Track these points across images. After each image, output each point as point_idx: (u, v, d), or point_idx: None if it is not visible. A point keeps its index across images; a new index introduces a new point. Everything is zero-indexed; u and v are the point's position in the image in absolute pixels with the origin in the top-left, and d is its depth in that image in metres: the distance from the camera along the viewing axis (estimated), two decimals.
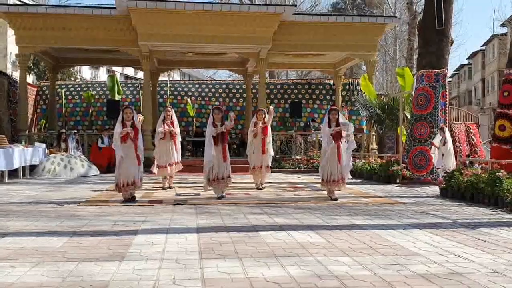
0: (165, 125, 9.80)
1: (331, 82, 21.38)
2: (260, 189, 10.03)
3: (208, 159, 8.40)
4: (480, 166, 10.53)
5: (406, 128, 13.11)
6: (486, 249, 4.62)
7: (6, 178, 11.61)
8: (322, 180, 8.49)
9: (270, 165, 10.16)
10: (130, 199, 7.95)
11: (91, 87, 21.64)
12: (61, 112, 20.25)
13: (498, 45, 39.75)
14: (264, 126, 9.89)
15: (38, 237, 5.03)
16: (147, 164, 15.14)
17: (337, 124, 8.37)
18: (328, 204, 7.91)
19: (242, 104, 20.97)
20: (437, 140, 11.29)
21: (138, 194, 8.86)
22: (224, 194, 8.58)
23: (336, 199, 8.30)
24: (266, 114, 10.05)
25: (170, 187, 10.01)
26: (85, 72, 38.66)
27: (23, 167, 12.64)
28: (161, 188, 9.99)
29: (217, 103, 21.12)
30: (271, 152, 10.26)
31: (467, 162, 12.15)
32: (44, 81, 23.39)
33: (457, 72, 55.71)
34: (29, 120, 18.45)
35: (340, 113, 8.63)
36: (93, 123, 20.40)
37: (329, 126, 8.42)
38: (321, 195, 9.11)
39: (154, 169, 9.96)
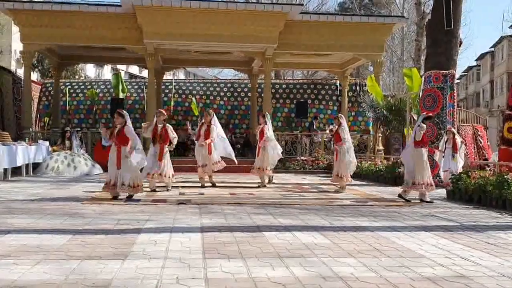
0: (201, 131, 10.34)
1: (337, 83, 21.34)
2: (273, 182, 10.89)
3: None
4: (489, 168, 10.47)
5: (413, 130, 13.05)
6: (494, 252, 4.60)
7: (10, 176, 11.65)
8: (412, 184, 8.61)
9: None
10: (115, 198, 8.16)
11: (95, 85, 21.69)
12: (64, 110, 20.32)
13: (508, 47, 39.56)
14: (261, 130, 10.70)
15: (41, 235, 5.05)
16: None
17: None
18: (333, 205, 7.90)
19: (247, 103, 20.96)
20: (440, 143, 11.22)
21: (141, 193, 8.91)
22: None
23: (431, 202, 8.44)
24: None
25: (210, 185, 10.43)
26: (90, 70, 38.80)
27: (27, 165, 12.69)
28: (200, 186, 10.39)
29: (221, 102, 21.15)
30: None
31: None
32: (48, 78, 23.47)
33: (465, 73, 55.47)
34: (33, 117, 18.52)
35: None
36: (97, 121, 20.45)
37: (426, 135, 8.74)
38: (327, 196, 9.11)
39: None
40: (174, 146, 9.80)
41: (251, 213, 6.80)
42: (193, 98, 20.49)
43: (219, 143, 10.50)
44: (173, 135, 9.45)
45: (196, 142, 10.61)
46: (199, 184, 10.45)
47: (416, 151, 8.62)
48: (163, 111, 9.75)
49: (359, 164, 13.73)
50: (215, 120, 10.51)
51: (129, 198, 8.08)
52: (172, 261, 4.05)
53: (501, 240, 5.24)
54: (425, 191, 8.54)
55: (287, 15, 15.34)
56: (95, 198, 8.23)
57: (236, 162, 11.11)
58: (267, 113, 11.61)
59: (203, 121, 10.51)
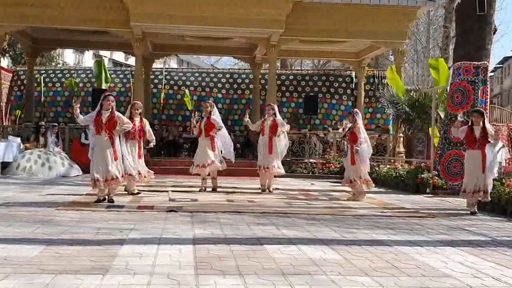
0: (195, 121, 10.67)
1: (353, 74, 21.34)
2: (270, 191, 10.64)
3: None
4: None
5: (439, 129, 13.06)
6: None
7: None
8: (464, 191, 8.66)
9: (276, 166, 10.71)
10: (103, 201, 8.30)
11: (75, 73, 21.75)
12: (39, 101, 20.37)
13: None
14: (273, 123, 10.59)
15: (9, 245, 5.06)
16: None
17: (484, 129, 8.47)
18: (345, 215, 7.91)
19: (249, 96, 20.99)
20: None
21: (126, 199, 8.92)
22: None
23: (475, 213, 8.44)
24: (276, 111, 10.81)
25: (205, 190, 10.53)
26: (68, 56, 38.85)
27: None
28: (199, 190, 10.48)
29: (219, 95, 21.17)
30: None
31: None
32: (20, 65, 23.52)
33: (500, 65, 55.35)
34: (3, 110, 18.58)
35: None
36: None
37: (471, 131, 8.53)
38: (339, 205, 9.11)
39: (193, 169, 10.55)
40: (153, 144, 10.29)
41: (250, 223, 6.81)
42: (187, 90, 20.52)
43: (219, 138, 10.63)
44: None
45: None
46: (198, 188, 10.56)
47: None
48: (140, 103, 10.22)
49: (377, 168, 13.75)
50: (215, 111, 10.62)
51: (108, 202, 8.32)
52: (159, 277, 4.06)
53: None
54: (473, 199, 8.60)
55: None
56: (72, 203, 8.25)
57: (233, 160, 11.19)
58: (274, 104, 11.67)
59: (202, 114, 10.72)
